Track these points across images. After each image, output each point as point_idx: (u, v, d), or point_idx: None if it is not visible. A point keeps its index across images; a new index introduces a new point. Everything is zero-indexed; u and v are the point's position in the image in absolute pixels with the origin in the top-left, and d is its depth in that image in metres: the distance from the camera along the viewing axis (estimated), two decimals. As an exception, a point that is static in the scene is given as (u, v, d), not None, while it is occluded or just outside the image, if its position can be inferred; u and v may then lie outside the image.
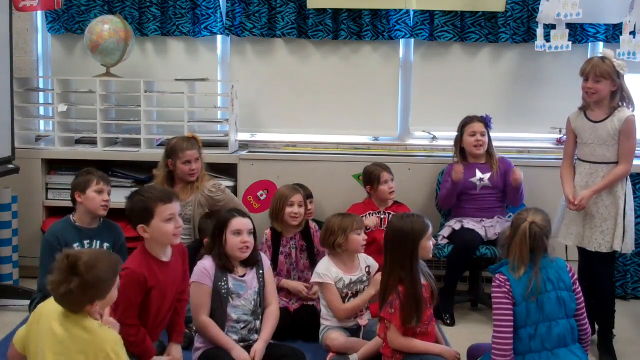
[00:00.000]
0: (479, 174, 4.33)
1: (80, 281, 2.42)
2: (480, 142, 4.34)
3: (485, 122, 4.40)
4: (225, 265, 3.31)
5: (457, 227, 4.27)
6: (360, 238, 3.65)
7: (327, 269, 3.60)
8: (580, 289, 3.09)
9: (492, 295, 3.02)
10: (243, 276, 3.35)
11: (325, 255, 3.71)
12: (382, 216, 4.35)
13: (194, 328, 3.38)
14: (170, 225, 3.09)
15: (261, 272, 3.41)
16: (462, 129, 4.40)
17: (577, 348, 3.04)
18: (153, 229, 3.08)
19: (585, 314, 3.10)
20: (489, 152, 4.40)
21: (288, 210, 4.03)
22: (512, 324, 2.95)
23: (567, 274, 3.06)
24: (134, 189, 3.55)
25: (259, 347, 3.27)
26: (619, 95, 3.66)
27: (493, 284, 3.03)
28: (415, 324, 3.12)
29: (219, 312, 3.28)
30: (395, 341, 3.14)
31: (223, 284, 3.29)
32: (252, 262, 3.40)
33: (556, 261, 3.07)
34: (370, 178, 4.37)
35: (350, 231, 3.61)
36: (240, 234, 3.31)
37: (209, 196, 4.25)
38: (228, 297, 3.28)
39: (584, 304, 3.10)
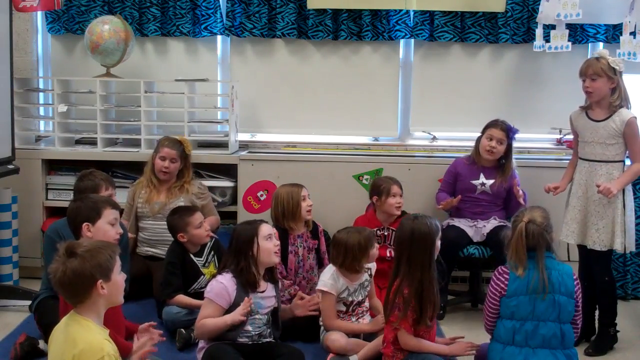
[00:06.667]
0: (482, 178, 4.31)
1: (78, 260, 2.40)
2: (494, 150, 4.25)
3: (507, 131, 4.28)
4: (251, 281, 3.29)
5: (446, 225, 4.30)
6: (376, 250, 3.63)
7: (334, 279, 3.55)
8: (580, 296, 3.15)
9: (490, 281, 3.18)
10: (263, 291, 3.36)
11: (331, 264, 3.66)
12: (387, 232, 4.26)
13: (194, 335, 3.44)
14: (113, 229, 3.24)
15: (279, 292, 3.46)
16: (484, 129, 4.34)
17: (562, 354, 3.09)
18: (97, 228, 3.20)
19: (577, 320, 3.17)
20: (504, 162, 4.31)
21: (303, 205, 4.03)
22: (496, 310, 3.14)
23: (571, 280, 3.12)
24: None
25: None
26: (617, 93, 3.70)
27: (494, 272, 3.18)
28: (428, 323, 3.15)
29: (236, 326, 3.28)
30: (409, 343, 3.16)
31: None
32: (274, 278, 3.44)
33: (562, 265, 3.16)
34: (379, 189, 4.23)
35: (370, 248, 3.55)
36: (271, 238, 3.36)
37: (197, 192, 4.41)
38: (248, 315, 3.29)
39: (580, 312, 3.17)
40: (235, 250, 3.33)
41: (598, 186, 3.63)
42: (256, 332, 3.34)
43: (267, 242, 3.33)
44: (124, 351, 2.94)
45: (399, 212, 4.24)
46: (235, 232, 3.41)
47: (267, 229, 3.37)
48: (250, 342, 3.32)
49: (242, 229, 3.39)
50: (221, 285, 3.28)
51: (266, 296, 3.38)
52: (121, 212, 3.89)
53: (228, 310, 3.27)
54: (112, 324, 2.82)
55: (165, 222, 4.29)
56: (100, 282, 2.44)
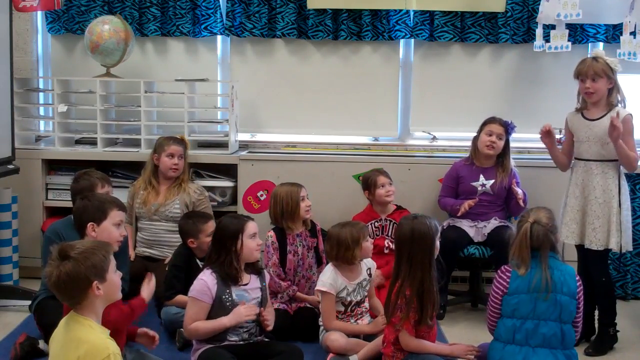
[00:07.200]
0: (482, 179, 4.31)
1: (72, 263, 2.38)
2: (494, 144, 4.27)
3: (506, 126, 4.31)
4: (232, 275, 3.30)
5: (447, 225, 4.30)
6: (370, 244, 3.65)
7: (333, 279, 3.56)
8: (582, 297, 3.15)
9: (493, 280, 3.20)
10: (246, 284, 3.37)
11: (330, 263, 3.67)
12: (384, 223, 4.32)
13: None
14: (117, 231, 3.24)
15: (264, 284, 3.46)
16: (481, 127, 4.35)
17: (562, 354, 3.10)
18: (102, 229, 3.20)
19: (578, 321, 3.17)
20: (502, 160, 4.33)
21: (302, 205, 4.02)
22: (498, 309, 3.16)
23: (574, 281, 3.13)
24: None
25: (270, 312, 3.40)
26: (615, 92, 3.72)
27: (498, 270, 3.20)
28: (429, 323, 3.16)
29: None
30: (410, 344, 3.17)
31: (227, 296, 3.29)
32: (257, 269, 3.44)
33: (565, 266, 3.16)
34: (367, 183, 4.36)
35: (363, 240, 3.58)
36: (255, 236, 3.37)
37: (197, 198, 4.41)
38: (233, 308, 3.29)
39: (581, 313, 3.17)
40: (219, 242, 3.34)
41: (613, 118, 3.56)
42: (245, 329, 3.32)
43: (251, 241, 3.34)
44: (131, 334, 3.07)
45: (390, 199, 4.33)
46: (221, 224, 3.40)
47: (253, 227, 3.37)
48: (242, 342, 3.31)
49: (229, 223, 3.38)
50: (201, 282, 3.29)
51: (250, 288, 3.37)
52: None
53: (213, 306, 3.26)
54: (116, 313, 2.85)
55: (162, 223, 4.33)
56: (96, 284, 2.42)
